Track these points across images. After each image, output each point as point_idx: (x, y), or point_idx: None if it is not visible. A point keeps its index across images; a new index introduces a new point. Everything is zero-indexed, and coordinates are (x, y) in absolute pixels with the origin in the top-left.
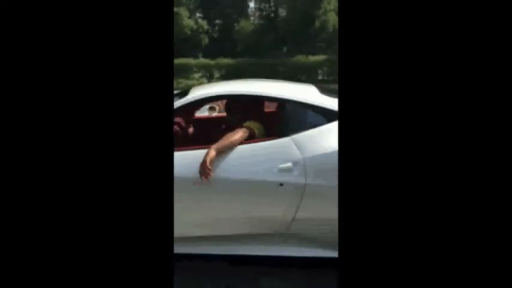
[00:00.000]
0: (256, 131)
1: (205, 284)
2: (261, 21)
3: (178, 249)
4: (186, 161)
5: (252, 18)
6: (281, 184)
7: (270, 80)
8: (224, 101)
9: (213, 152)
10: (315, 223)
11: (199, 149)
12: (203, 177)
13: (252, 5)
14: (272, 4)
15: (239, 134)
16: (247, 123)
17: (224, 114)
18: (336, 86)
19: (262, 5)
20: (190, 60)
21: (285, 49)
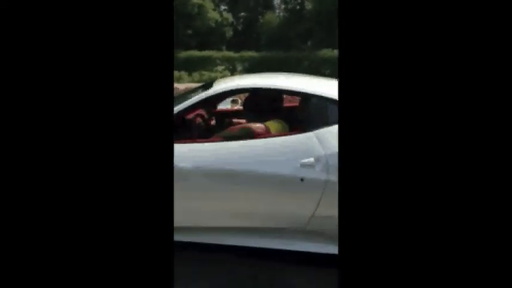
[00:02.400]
0: (272, 130)
1: (221, 275)
2: (286, 14)
3: (193, 238)
4: (202, 152)
5: (277, 11)
6: (302, 179)
7: (294, 74)
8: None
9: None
10: (335, 220)
11: (216, 141)
12: None
13: None
14: None
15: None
16: (267, 123)
17: None
18: None
19: None
20: (214, 53)
21: (309, 43)
